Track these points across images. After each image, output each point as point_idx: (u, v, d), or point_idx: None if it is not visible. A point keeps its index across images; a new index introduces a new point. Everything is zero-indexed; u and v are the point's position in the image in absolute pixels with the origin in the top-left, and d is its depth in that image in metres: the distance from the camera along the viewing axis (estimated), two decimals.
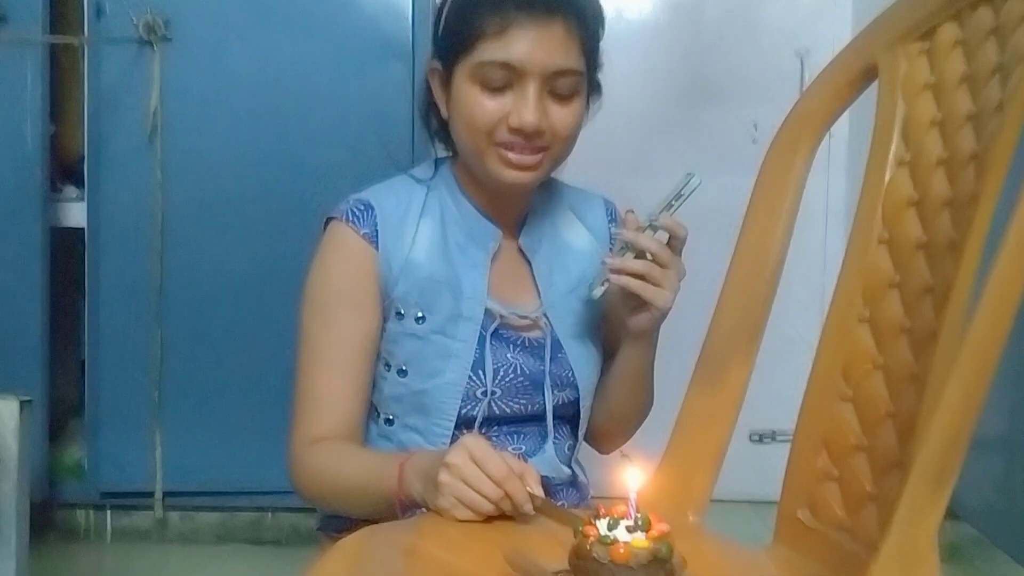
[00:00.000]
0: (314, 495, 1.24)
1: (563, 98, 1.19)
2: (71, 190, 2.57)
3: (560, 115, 1.19)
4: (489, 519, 1.04)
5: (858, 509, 0.96)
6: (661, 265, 1.18)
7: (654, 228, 1.19)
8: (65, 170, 2.58)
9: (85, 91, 2.46)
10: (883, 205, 0.99)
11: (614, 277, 1.19)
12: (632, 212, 1.23)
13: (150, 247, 2.47)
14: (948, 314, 0.77)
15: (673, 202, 1.19)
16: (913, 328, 0.92)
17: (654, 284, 1.18)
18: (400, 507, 1.11)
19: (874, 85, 1.07)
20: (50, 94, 2.45)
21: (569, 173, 1.33)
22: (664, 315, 1.21)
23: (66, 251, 2.51)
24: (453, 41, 1.20)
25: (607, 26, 1.26)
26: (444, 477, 1.03)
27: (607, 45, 1.27)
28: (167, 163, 2.45)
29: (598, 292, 1.22)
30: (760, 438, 2.71)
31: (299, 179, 2.47)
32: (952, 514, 2.58)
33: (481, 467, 1.02)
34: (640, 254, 1.19)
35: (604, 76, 1.28)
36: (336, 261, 1.25)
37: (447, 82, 1.22)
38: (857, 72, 1.09)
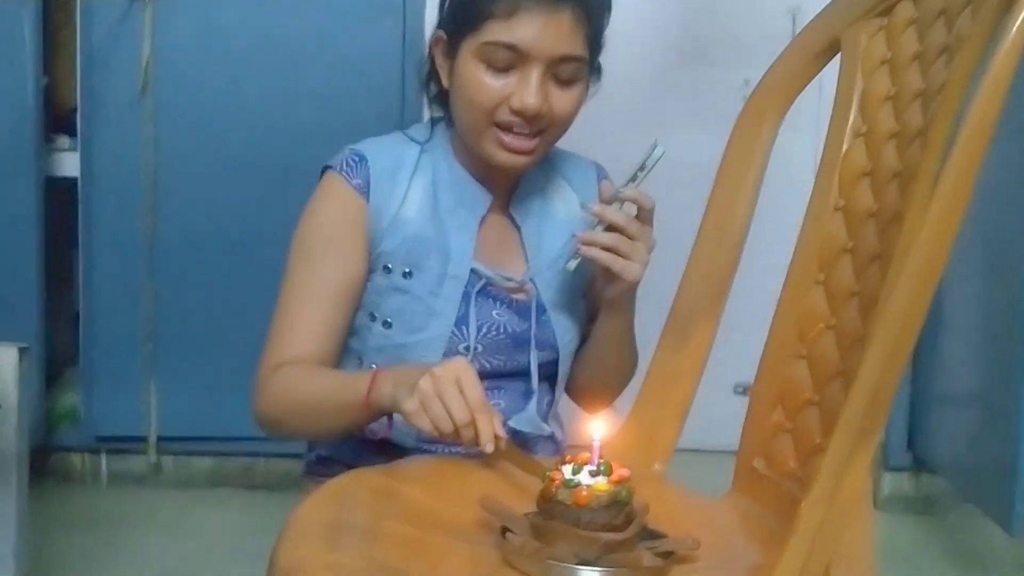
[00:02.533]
0: (272, 415, 1.23)
1: (565, 83, 1.20)
2: (64, 140, 2.59)
3: (561, 99, 1.20)
4: (461, 464, 1.08)
5: (808, 460, 1.01)
6: (629, 237, 1.20)
7: (620, 201, 1.21)
8: (58, 121, 2.61)
9: (78, 43, 2.49)
10: (840, 174, 1.03)
11: (583, 250, 1.21)
12: (608, 181, 1.26)
13: (143, 197, 2.51)
14: (887, 281, 0.83)
15: (638, 174, 1.20)
16: (862, 292, 0.97)
17: (623, 257, 1.20)
18: (365, 415, 1.13)
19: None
20: (44, 47, 2.47)
21: None
22: (633, 286, 1.24)
23: (61, 202, 2.54)
24: (461, 17, 1.21)
25: None
26: (424, 384, 1.05)
27: None
28: (159, 116, 2.49)
29: (571, 265, 1.24)
30: (744, 390, 2.75)
31: (289, 132, 2.50)
32: (926, 468, 2.65)
33: (461, 390, 1.04)
34: (611, 227, 1.21)
35: None
36: (327, 208, 1.27)
37: (451, 54, 1.23)
38: (821, 46, 1.12)
